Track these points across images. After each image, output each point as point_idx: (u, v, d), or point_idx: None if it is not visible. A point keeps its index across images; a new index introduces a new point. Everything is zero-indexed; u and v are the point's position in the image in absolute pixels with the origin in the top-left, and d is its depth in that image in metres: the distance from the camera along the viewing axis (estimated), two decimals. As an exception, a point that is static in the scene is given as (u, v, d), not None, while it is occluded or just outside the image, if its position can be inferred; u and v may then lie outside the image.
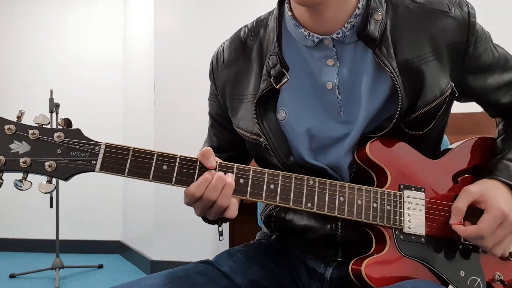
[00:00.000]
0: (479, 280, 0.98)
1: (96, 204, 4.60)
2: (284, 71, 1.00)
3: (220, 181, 0.88)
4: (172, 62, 3.76)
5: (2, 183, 0.84)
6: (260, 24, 1.12)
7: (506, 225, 0.95)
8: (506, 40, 1.26)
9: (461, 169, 1.04)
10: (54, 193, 3.71)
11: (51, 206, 3.65)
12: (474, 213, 0.97)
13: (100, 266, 3.99)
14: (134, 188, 4.13)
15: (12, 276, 3.69)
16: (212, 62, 1.16)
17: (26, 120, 0.86)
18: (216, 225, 1.08)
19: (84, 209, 4.57)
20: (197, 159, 0.90)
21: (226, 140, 1.17)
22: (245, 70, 1.09)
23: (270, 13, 1.12)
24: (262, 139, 1.03)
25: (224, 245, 3.14)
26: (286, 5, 1.05)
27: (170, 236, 3.57)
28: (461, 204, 0.97)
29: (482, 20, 1.04)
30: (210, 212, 0.91)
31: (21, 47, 4.80)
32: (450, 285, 0.95)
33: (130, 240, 4.38)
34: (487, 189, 0.97)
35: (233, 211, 0.92)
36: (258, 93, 1.02)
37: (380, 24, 0.98)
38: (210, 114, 1.20)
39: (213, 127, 1.20)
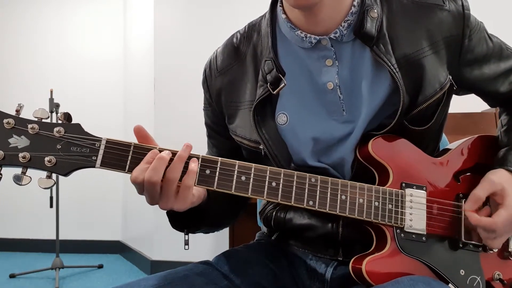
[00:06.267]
0: (478, 279, 0.98)
1: (96, 204, 4.60)
2: (281, 76, 0.99)
3: (161, 162, 0.86)
4: (172, 62, 3.76)
5: (1, 177, 0.83)
6: (252, 28, 1.11)
7: None
8: (504, 32, 1.26)
9: (462, 168, 1.04)
10: (54, 193, 3.71)
11: (51, 206, 3.65)
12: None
13: (100, 266, 3.99)
14: (134, 188, 4.09)
15: (12, 276, 3.68)
16: (205, 70, 1.14)
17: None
18: (183, 233, 1.06)
19: (84, 209, 4.57)
20: (199, 156, 0.90)
21: (226, 149, 1.15)
22: (240, 76, 1.07)
23: (262, 17, 1.11)
24: (261, 147, 1.02)
25: (224, 246, 3.13)
26: (279, 8, 1.04)
27: (170, 236, 3.52)
28: (481, 193, 0.97)
29: (477, 13, 1.05)
30: (163, 196, 0.89)
31: (21, 47, 4.80)
32: (450, 284, 0.95)
33: (130, 240, 4.38)
34: (506, 183, 0.98)
35: (185, 204, 0.90)
36: (255, 100, 1.01)
37: (376, 21, 0.98)
38: (206, 124, 1.18)
39: (211, 137, 1.18)
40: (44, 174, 0.85)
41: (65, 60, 4.73)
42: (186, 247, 1.02)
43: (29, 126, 0.85)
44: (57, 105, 3.57)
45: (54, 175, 0.86)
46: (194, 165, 0.88)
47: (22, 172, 0.85)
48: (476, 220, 0.96)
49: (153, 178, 0.85)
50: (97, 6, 4.78)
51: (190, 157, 0.89)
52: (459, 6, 1.01)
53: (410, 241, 0.95)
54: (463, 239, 0.98)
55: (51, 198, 3.65)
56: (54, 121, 0.89)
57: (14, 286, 3.52)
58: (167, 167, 0.86)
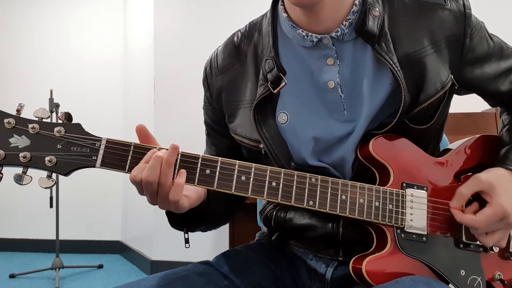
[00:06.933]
0: (479, 279, 0.98)
1: (96, 204, 4.60)
2: (281, 75, 0.99)
3: (158, 160, 0.86)
4: (172, 62, 3.76)
5: (1, 177, 0.83)
6: (253, 27, 1.11)
7: (503, 222, 0.95)
8: (504, 32, 1.26)
9: (463, 168, 1.03)
10: (54, 193, 3.70)
11: (51, 206, 3.65)
12: (477, 198, 0.98)
13: (100, 266, 3.99)
14: (134, 188, 4.08)
15: (12, 276, 3.68)
16: (205, 69, 1.14)
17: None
18: (183, 232, 1.06)
19: (84, 209, 4.57)
20: (199, 155, 0.90)
21: (225, 148, 1.14)
22: (241, 75, 1.07)
23: (263, 16, 1.11)
24: (261, 146, 1.01)
25: (224, 246, 3.13)
26: (281, 7, 1.04)
27: (170, 236, 3.52)
28: (466, 191, 0.97)
29: (477, 13, 1.05)
30: (159, 198, 0.89)
31: (21, 47, 4.80)
32: (450, 284, 0.95)
33: (130, 240, 4.38)
34: (497, 181, 0.97)
35: (184, 203, 0.90)
36: (256, 99, 1.01)
37: (378, 20, 0.98)
38: (206, 123, 1.18)
39: (210, 136, 1.18)
40: (44, 173, 0.85)
41: (65, 60, 4.73)
42: (187, 245, 1.02)
43: (30, 125, 0.85)
44: (57, 105, 3.57)
45: (54, 175, 0.86)
46: (181, 180, 0.88)
47: (22, 172, 0.85)
48: (460, 218, 0.96)
49: (150, 177, 0.85)
50: (97, 6, 4.78)
51: (190, 155, 0.89)
52: (460, 5, 1.01)
53: (410, 241, 0.95)
54: (464, 239, 0.98)
55: (51, 198, 3.65)
56: (54, 121, 0.89)
57: (14, 286, 3.52)
58: None
